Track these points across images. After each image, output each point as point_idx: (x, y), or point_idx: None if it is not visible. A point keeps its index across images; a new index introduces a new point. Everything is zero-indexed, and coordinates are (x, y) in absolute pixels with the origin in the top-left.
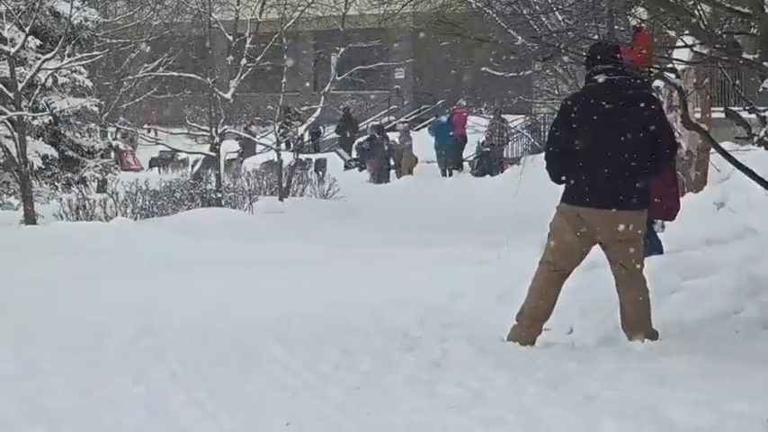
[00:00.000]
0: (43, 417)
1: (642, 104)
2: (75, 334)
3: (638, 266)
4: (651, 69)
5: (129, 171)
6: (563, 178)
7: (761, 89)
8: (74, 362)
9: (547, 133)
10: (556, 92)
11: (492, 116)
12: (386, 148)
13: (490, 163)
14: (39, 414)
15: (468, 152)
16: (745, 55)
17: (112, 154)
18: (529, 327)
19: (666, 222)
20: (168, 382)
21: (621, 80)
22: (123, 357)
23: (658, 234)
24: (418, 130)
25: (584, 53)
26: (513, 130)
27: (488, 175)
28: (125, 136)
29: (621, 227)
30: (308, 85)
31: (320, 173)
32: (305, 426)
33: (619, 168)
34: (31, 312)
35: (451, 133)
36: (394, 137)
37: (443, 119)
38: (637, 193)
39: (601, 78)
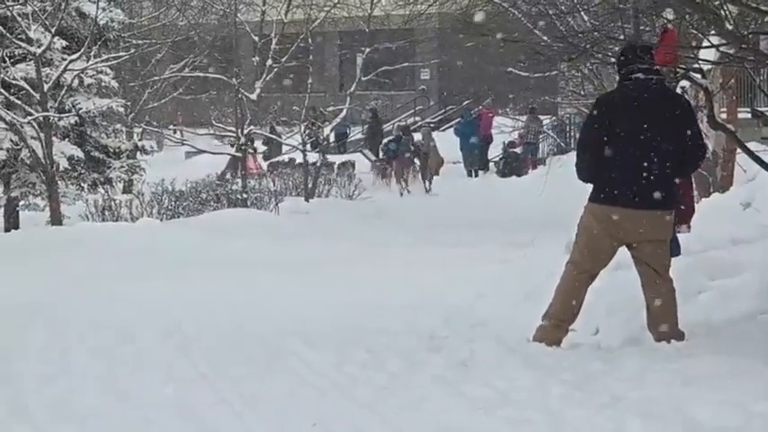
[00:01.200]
0: (73, 417)
1: (674, 106)
2: (103, 334)
3: (666, 267)
4: (678, 69)
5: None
6: (592, 177)
7: None
8: (103, 361)
9: (573, 133)
10: (582, 92)
11: (527, 115)
12: (412, 148)
13: (517, 164)
14: (68, 414)
15: (493, 153)
16: None
17: (138, 154)
18: (555, 327)
19: (692, 223)
20: (196, 381)
21: (655, 81)
22: (151, 357)
23: (683, 234)
24: (444, 130)
25: (610, 54)
26: (538, 131)
27: (514, 176)
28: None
29: (651, 227)
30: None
31: (347, 174)
32: (331, 426)
33: (649, 169)
34: (60, 312)
35: (476, 135)
36: (418, 137)
37: (470, 119)
38: (666, 193)
39: (634, 79)
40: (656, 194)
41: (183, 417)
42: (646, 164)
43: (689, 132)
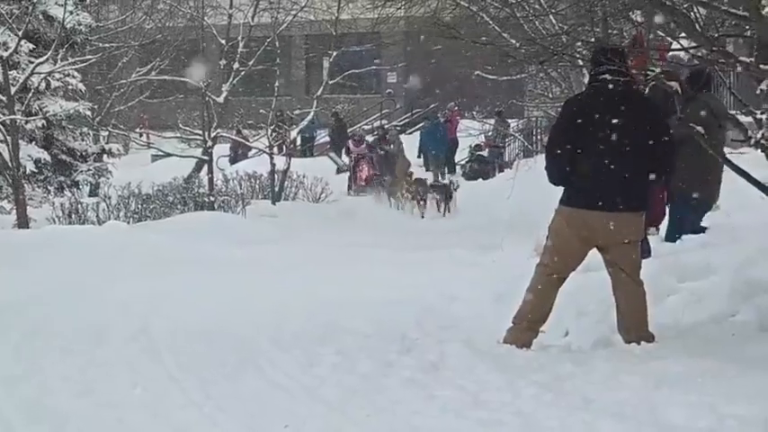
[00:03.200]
0: (45, 418)
1: (641, 108)
2: (73, 335)
3: (636, 269)
4: (648, 73)
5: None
6: (563, 180)
7: (758, 91)
8: (74, 363)
9: (541, 137)
10: (549, 95)
11: (494, 119)
12: (380, 152)
13: (484, 167)
14: (40, 415)
15: (459, 156)
16: (741, 58)
17: (104, 157)
18: (525, 329)
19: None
20: (166, 383)
21: (625, 83)
22: (121, 358)
23: (652, 237)
24: (410, 134)
25: (580, 57)
26: (504, 135)
27: (481, 179)
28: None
29: (622, 230)
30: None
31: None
32: (303, 428)
33: (620, 171)
34: (30, 314)
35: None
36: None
37: (436, 122)
38: (637, 195)
39: (601, 81)
40: (628, 196)
41: (154, 418)
42: (614, 166)
43: (658, 132)
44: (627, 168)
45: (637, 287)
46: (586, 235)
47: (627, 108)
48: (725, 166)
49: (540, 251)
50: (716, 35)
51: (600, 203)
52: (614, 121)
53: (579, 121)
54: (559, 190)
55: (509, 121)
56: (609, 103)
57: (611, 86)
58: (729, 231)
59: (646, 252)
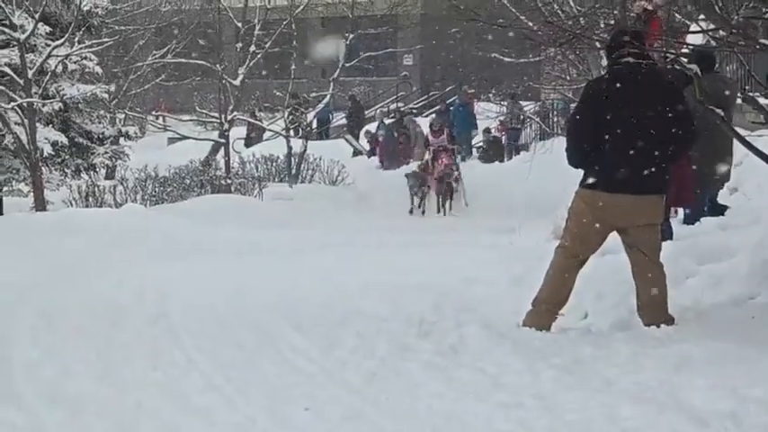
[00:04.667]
0: (64, 401)
1: (663, 89)
2: (92, 318)
3: (657, 252)
4: (668, 54)
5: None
6: (583, 163)
7: None
8: (92, 346)
9: (558, 119)
10: (567, 77)
11: (508, 101)
12: (395, 135)
13: (500, 149)
14: (60, 398)
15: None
16: (762, 40)
17: (121, 140)
18: (545, 312)
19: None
20: (185, 366)
21: (646, 66)
22: (140, 342)
23: (672, 219)
24: (427, 116)
25: (598, 39)
26: (522, 117)
27: (497, 162)
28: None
29: (643, 212)
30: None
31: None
32: (324, 411)
33: (640, 153)
34: (48, 297)
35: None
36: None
37: (463, 104)
38: (658, 178)
39: (624, 63)
40: (647, 179)
41: (173, 401)
42: (636, 148)
43: (679, 114)
44: (647, 151)
45: (657, 269)
46: (607, 218)
47: (648, 90)
48: (734, 148)
49: (559, 234)
50: (735, 17)
51: (621, 186)
52: (635, 103)
53: (600, 103)
54: (578, 172)
55: (522, 103)
56: (630, 86)
57: (632, 68)
58: (748, 213)
59: (667, 235)
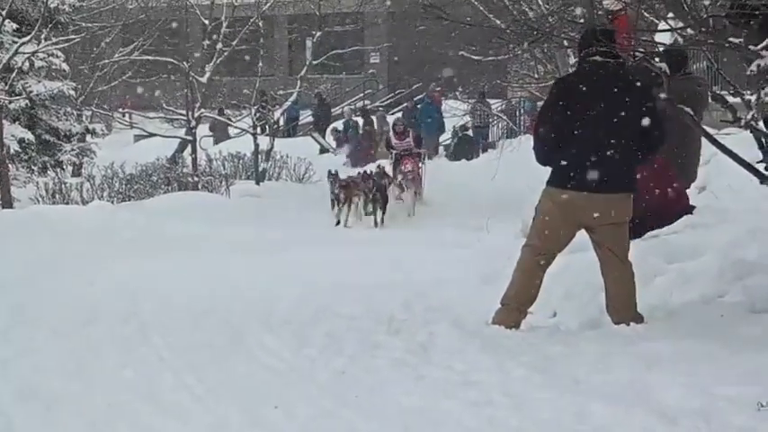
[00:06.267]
0: (37, 398)
1: (631, 88)
2: (64, 316)
3: (625, 250)
4: (636, 53)
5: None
6: (550, 161)
7: (748, 72)
8: (64, 344)
9: (525, 117)
10: (535, 75)
11: (475, 99)
12: (360, 132)
13: (469, 147)
14: (33, 395)
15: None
16: (731, 38)
17: (88, 137)
18: (514, 310)
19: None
20: (157, 365)
21: (614, 64)
22: (112, 340)
23: None
24: (393, 114)
25: (566, 38)
26: (490, 115)
27: (464, 159)
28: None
29: (612, 211)
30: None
31: None
32: (293, 409)
33: (607, 152)
34: (19, 294)
35: (430, 118)
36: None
37: (429, 102)
38: (626, 176)
39: (591, 61)
40: (615, 177)
41: (144, 400)
42: (604, 146)
43: (648, 113)
44: (616, 149)
45: (625, 268)
46: (575, 216)
47: (617, 88)
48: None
49: (527, 231)
50: (704, 15)
51: (588, 184)
52: (604, 101)
53: (568, 101)
54: (546, 170)
55: (490, 101)
56: (599, 84)
57: (599, 67)
58: (717, 212)
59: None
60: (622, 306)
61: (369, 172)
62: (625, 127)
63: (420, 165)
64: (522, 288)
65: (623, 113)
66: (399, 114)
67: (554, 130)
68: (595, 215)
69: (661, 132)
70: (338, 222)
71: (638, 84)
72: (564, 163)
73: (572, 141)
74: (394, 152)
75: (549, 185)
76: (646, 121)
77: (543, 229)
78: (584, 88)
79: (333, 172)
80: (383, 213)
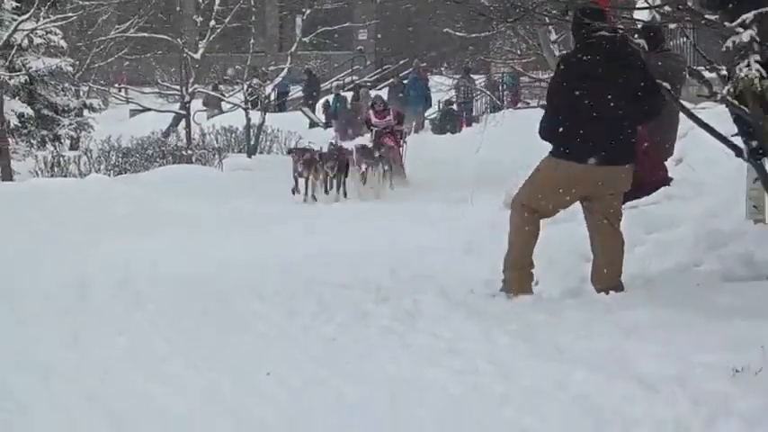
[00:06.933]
0: (35, 367)
1: (636, 64)
2: (60, 286)
3: (619, 219)
4: (615, 30)
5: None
6: (558, 135)
7: (723, 48)
8: (60, 314)
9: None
10: (518, 52)
11: (459, 75)
12: (348, 107)
13: (453, 121)
14: (31, 365)
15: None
16: (706, 16)
17: (85, 112)
18: (524, 275)
19: None
20: (151, 333)
21: (619, 41)
22: (107, 309)
23: None
24: (381, 89)
25: (548, 15)
26: (475, 90)
27: (449, 133)
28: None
29: (615, 182)
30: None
31: None
32: (285, 375)
33: (616, 126)
34: (16, 265)
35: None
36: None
37: (416, 78)
38: (630, 147)
39: (598, 38)
40: (621, 150)
41: (139, 368)
42: (615, 121)
43: (648, 87)
44: (621, 123)
45: (617, 235)
46: (580, 187)
47: (621, 64)
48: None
49: (509, 202)
50: None
51: (597, 157)
52: (614, 77)
53: (579, 78)
54: (530, 144)
55: (475, 77)
56: (607, 61)
57: (606, 43)
58: (694, 185)
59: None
60: (609, 272)
61: (331, 147)
62: (629, 101)
63: (401, 142)
64: (520, 249)
65: (627, 87)
66: (380, 93)
67: (567, 107)
68: (600, 186)
69: (660, 104)
70: (305, 198)
71: (639, 57)
72: (574, 136)
73: (585, 117)
74: (374, 129)
75: (557, 157)
76: (647, 94)
77: (543, 192)
78: (593, 65)
79: (293, 148)
80: (344, 186)
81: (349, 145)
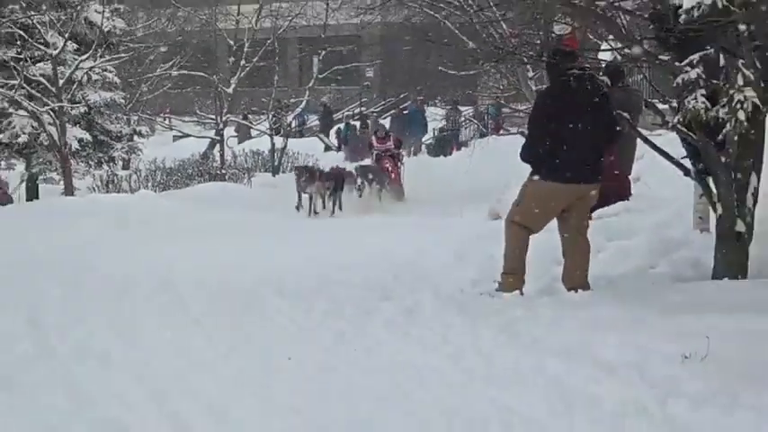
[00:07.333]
0: (91, 355)
1: (602, 98)
2: (111, 286)
3: (586, 229)
4: (584, 68)
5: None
6: (538, 159)
7: (674, 84)
8: (113, 310)
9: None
10: (500, 87)
11: (450, 107)
12: (357, 133)
13: (445, 145)
14: (87, 353)
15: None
16: (660, 56)
17: (135, 138)
18: (516, 278)
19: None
20: (190, 327)
21: (588, 77)
22: (152, 305)
23: None
24: (385, 118)
25: (526, 56)
26: (464, 119)
27: (442, 156)
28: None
29: (588, 198)
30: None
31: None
32: (303, 361)
33: (589, 150)
34: (75, 268)
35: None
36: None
37: (415, 109)
38: (599, 168)
39: (571, 76)
40: (594, 171)
41: (180, 357)
42: (584, 145)
43: (610, 117)
44: (593, 147)
45: (585, 243)
46: (565, 203)
47: (592, 97)
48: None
49: (494, 215)
50: (638, 37)
51: (576, 178)
52: (584, 108)
53: (558, 109)
54: (512, 166)
55: (462, 108)
56: (583, 94)
57: (579, 80)
58: (649, 200)
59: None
60: (579, 274)
61: (333, 168)
62: (598, 129)
63: (399, 164)
64: (514, 259)
65: (597, 117)
66: (384, 121)
67: (546, 135)
68: (581, 202)
69: (619, 132)
70: (310, 213)
71: (604, 91)
72: (555, 160)
73: (562, 143)
74: (375, 152)
75: (541, 178)
76: (610, 123)
77: (537, 212)
78: (567, 99)
79: (298, 166)
80: (340, 201)
81: (354, 164)
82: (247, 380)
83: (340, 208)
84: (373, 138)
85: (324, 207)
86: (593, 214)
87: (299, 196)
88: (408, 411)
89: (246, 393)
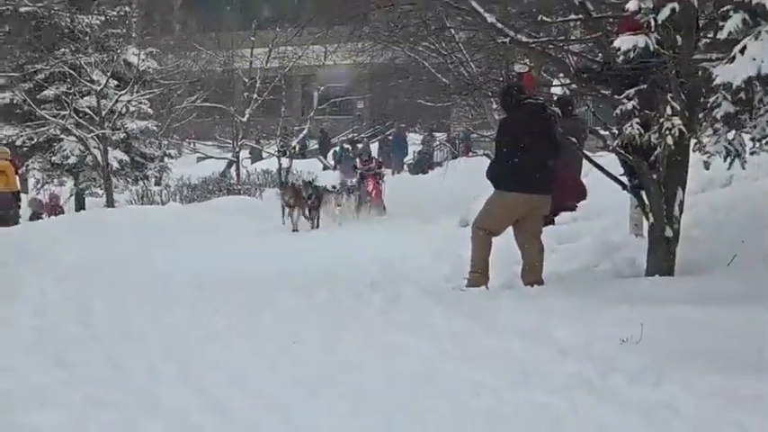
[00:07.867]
0: (130, 337)
1: (549, 120)
2: (147, 283)
3: (540, 232)
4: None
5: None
6: (501, 176)
7: (614, 114)
8: (149, 301)
9: (461, 145)
10: (469, 116)
11: (425, 133)
12: (349, 155)
13: (423, 165)
14: (127, 335)
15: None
16: (603, 90)
17: (165, 159)
18: (481, 275)
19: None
20: (213, 314)
21: (540, 105)
22: (181, 296)
23: None
24: (373, 143)
25: (490, 91)
26: (438, 143)
27: (421, 174)
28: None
29: (543, 206)
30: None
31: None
32: (307, 342)
33: (544, 165)
34: (116, 269)
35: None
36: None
37: (399, 135)
38: (551, 181)
39: (526, 104)
40: (548, 183)
41: (206, 338)
42: (542, 162)
43: (556, 137)
44: (546, 163)
45: (539, 244)
46: (525, 210)
47: (543, 121)
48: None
49: (465, 223)
50: (584, 75)
51: (535, 189)
52: (541, 131)
53: (517, 132)
54: (479, 182)
55: (438, 134)
56: (535, 120)
57: (533, 109)
58: (593, 209)
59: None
60: (533, 272)
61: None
62: (548, 147)
63: (380, 183)
64: (480, 259)
65: (547, 137)
66: (373, 145)
67: (508, 153)
68: (537, 209)
69: (558, 149)
70: (295, 229)
71: (551, 117)
72: (519, 174)
73: (522, 160)
74: (358, 171)
75: (505, 190)
76: (555, 142)
77: (501, 218)
78: (526, 122)
79: (283, 183)
80: (318, 217)
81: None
82: (260, 356)
83: (317, 225)
84: (358, 160)
85: (307, 219)
86: (555, 218)
87: (283, 210)
88: (393, 380)
89: (259, 367)
